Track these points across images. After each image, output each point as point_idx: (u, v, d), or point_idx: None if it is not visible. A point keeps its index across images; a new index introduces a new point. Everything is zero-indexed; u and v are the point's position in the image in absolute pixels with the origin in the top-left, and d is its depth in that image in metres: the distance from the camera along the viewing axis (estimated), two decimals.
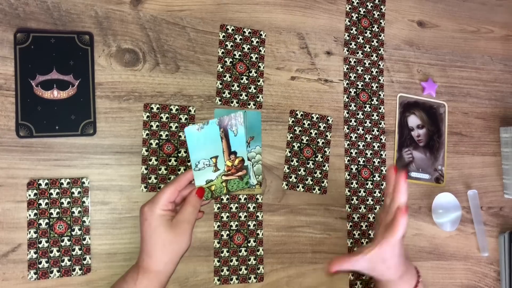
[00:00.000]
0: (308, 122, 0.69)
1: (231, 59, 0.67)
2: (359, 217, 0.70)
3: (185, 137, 0.55)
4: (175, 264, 0.53)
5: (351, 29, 0.74)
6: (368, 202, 0.71)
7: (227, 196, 0.64)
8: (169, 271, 0.52)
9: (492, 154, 0.80)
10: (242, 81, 0.67)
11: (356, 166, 0.71)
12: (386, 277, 0.54)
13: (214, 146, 0.53)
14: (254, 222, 0.65)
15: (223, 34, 0.67)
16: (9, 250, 0.56)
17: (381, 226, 0.54)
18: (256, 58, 0.68)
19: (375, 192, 0.72)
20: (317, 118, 0.70)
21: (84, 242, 0.58)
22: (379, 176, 0.72)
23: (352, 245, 0.69)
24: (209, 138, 0.52)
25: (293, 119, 0.69)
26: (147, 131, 0.62)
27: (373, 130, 0.73)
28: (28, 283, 0.56)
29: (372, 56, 0.74)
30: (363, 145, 0.72)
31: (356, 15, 0.74)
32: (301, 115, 0.69)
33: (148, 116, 0.62)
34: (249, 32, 0.68)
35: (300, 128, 0.69)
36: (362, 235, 0.70)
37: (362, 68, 0.74)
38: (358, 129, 0.72)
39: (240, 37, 0.67)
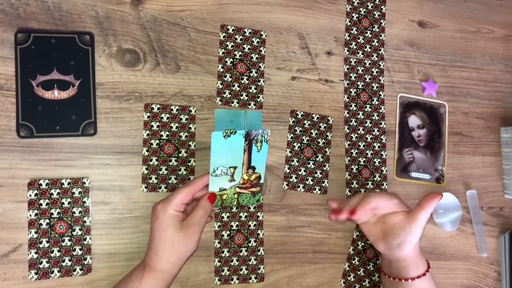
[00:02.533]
0: (309, 122, 0.69)
1: (231, 59, 0.67)
2: None
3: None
4: (181, 265, 0.53)
5: (352, 29, 0.74)
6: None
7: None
8: (175, 271, 0.53)
9: (492, 154, 0.80)
10: (242, 81, 0.67)
11: (356, 166, 0.71)
12: (404, 249, 0.56)
13: (236, 156, 0.53)
14: (254, 222, 0.65)
15: (224, 34, 0.67)
16: (10, 250, 0.56)
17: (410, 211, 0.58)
18: (257, 58, 0.68)
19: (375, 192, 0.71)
20: (317, 118, 0.70)
21: (85, 242, 0.58)
22: (379, 176, 0.72)
23: (357, 237, 0.69)
24: (232, 147, 0.52)
25: (293, 119, 0.69)
26: (147, 131, 0.62)
27: (373, 130, 0.73)
28: (28, 283, 0.56)
29: (372, 56, 0.74)
30: (364, 145, 0.72)
31: (357, 15, 0.74)
32: (302, 115, 0.69)
33: (148, 116, 0.62)
34: (250, 32, 0.68)
35: (300, 128, 0.69)
36: (362, 237, 0.70)
37: (362, 68, 0.74)
38: (359, 129, 0.72)
39: (241, 37, 0.67)
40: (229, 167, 0.54)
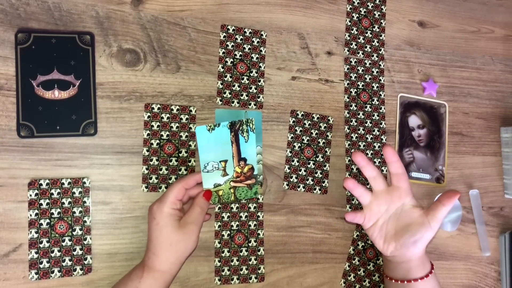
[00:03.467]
0: (309, 122, 0.69)
1: (231, 59, 0.67)
2: None
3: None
4: (181, 264, 0.53)
5: (352, 29, 0.74)
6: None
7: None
8: (175, 271, 0.53)
9: (492, 154, 0.80)
10: (243, 81, 0.67)
11: (357, 166, 0.71)
12: (419, 246, 0.57)
13: (224, 149, 0.53)
14: (254, 222, 0.65)
15: (224, 34, 0.67)
16: (10, 250, 0.56)
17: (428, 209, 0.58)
18: (257, 58, 0.68)
19: None
20: (317, 118, 0.70)
21: (85, 242, 0.58)
22: None
23: (357, 237, 0.70)
24: (219, 141, 0.52)
25: (293, 119, 0.69)
26: (148, 131, 0.62)
27: (373, 130, 0.73)
28: (29, 283, 0.56)
29: (372, 56, 0.74)
30: (364, 145, 0.72)
31: (357, 15, 0.74)
32: (302, 115, 0.69)
33: (149, 116, 0.62)
34: (250, 32, 0.68)
35: (300, 128, 0.69)
36: (362, 237, 0.70)
37: (362, 68, 0.74)
38: (359, 129, 0.72)
39: (241, 37, 0.67)
40: (220, 162, 0.53)
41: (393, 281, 0.59)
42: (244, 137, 0.53)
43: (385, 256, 0.61)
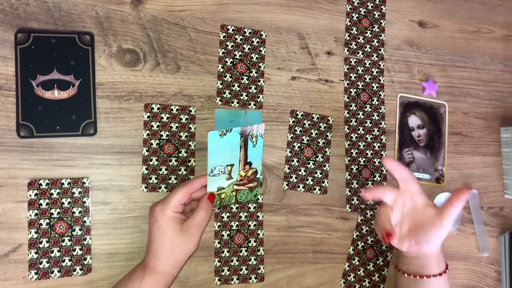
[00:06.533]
0: (309, 122, 0.69)
1: (231, 59, 0.67)
2: (362, 219, 0.70)
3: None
4: (181, 266, 0.53)
5: (352, 29, 0.74)
6: (368, 202, 0.71)
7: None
8: (175, 272, 0.53)
9: (492, 154, 0.80)
10: (242, 81, 0.67)
11: (356, 166, 0.71)
12: (433, 244, 0.57)
13: (232, 154, 0.53)
14: (254, 222, 0.65)
15: (224, 34, 0.67)
16: (9, 250, 0.56)
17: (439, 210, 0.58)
18: (257, 58, 0.68)
19: None
20: (317, 118, 0.70)
21: (85, 242, 0.58)
22: (379, 176, 0.72)
23: (357, 237, 0.70)
24: (229, 146, 0.51)
25: (293, 119, 0.69)
26: (147, 131, 0.62)
27: (373, 130, 0.73)
28: (28, 283, 0.56)
29: (372, 56, 0.74)
30: (364, 145, 0.72)
31: (357, 15, 0.74)
32: (302, 115, 0.69)
33: (148, 116, 0.62)
34: (250, 32, 0.68)
35: (300, 128, 0.69)
36: (362, 237, 0.70)
37: (362, 68, 0.74)
38: (359, 129, 0.72)
39: (241, 37, 0.67)
40: (226, 166, 0.53)
41: (405, 275, 0.60)
42: (253, 141, 0.53)
43: (400, 251, 0.61)
